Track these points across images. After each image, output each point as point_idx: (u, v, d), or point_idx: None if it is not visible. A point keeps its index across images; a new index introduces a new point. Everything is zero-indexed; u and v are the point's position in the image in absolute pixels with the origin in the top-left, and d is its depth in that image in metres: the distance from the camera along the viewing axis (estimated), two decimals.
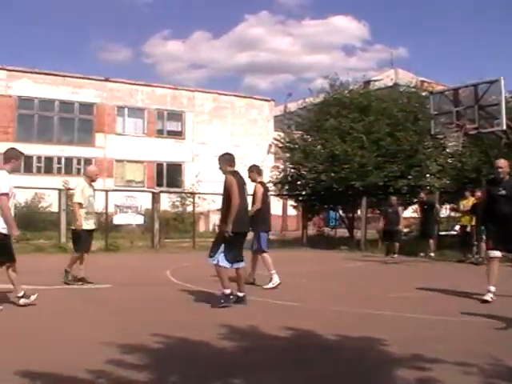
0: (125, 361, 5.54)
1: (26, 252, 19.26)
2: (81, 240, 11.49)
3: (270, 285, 11.32)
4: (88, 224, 11.53)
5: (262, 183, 12.01)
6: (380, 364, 5.76)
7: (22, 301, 8.60)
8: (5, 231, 8.35)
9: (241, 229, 9.23)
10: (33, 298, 8.66)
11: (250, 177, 11.90)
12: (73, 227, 11.81)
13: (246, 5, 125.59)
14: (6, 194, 8.27)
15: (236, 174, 9.31)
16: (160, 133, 40.60)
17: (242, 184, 9.27)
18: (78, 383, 4.94)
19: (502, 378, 5.19)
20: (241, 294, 9.30)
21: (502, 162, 9.82)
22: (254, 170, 12.08)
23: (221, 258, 8.99)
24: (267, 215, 11.98)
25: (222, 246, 9.02)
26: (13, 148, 9.24)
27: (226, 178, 9.17)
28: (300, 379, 5.30)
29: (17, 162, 8.84)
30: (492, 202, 9.70)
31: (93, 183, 11.94)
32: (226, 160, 9.49)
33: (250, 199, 10.50)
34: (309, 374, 5.43)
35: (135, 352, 5.86)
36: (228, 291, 9.06)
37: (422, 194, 20.91)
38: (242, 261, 9.34)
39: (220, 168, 9.48)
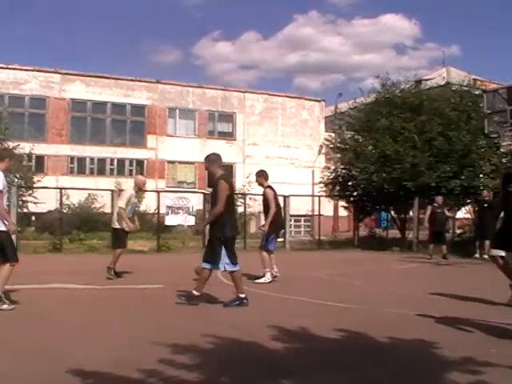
0: (176, 360, 5.57)
1: (79, 252, 19.69)
2: (120, 238, 12.64)
3: (262, 280, 11.84)
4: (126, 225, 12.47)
5: (270, 187, 12.26)
6: (431, 367, 5.69)
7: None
8: (3, 228, 8.29)
9: (236, 232, 9.56)
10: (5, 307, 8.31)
11: (257, 181, 12.39)
12: (115, 226, 12.64)
13: (295, 5, 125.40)
14: (1, 192, 8.31)
15: (227, 177, 9.38)
16: (211, 134, 40.79)
17: (232, 189, 9.40)
18: (129, 382, 4.98)
19: None
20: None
21: None
22: (262, 176, 12.34)
23: (227, 265, 9.00)
24: (278, 217, 12.37)
25: (223, 250, 8.94)
26: (5, 149, 9.60)
27: (219, 182, 8.96)
28: (351, 382, 5.26)
29: (10, 161, 9.14)
30: (505, 198, 9.35)
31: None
32: (214, 161, 9.28)
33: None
34: (360, 376, 5.39)
35: (186, 352, 5.88)
36: (243, 295, 9.08)
37: (486, 193, 20.41)
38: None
39: (208, 169, 9.38)
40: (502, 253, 8.95)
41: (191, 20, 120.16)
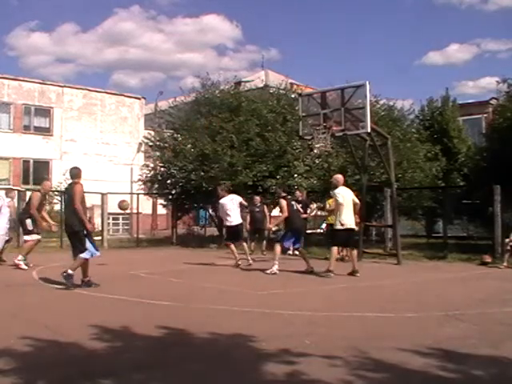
0: None
1: None
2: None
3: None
4: None
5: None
6: (249, 360, 5.89)
7: None
8: None
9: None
10: None
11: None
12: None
13: None
14: None
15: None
16: (27, 129, 39.22)
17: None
18: None
19: (366, 370, 5.43)
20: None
21: None
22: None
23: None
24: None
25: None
26: None
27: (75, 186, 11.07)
28: (171, 378, 5.34)
29: None
30: None
31: None
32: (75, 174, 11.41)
33: None
34: (179, 372, 5.49)
35: (1, 356, 5.71)
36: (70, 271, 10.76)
37: (298, 193, 20.93)
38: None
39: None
40: None
41: (5, 7, 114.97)
